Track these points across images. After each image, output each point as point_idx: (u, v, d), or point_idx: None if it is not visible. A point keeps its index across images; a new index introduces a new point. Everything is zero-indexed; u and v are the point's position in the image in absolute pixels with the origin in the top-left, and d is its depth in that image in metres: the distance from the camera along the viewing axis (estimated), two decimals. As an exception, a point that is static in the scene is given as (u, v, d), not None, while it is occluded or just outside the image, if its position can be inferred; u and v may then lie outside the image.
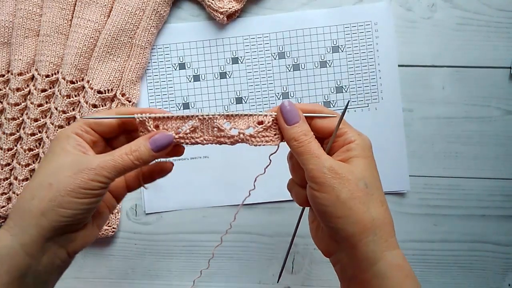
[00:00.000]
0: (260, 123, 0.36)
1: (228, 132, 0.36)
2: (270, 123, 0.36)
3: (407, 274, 0.33)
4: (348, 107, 0.54)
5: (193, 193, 0.53)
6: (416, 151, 0.54)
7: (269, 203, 0.54)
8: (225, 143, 0.36)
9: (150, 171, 0.39)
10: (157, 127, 0.35)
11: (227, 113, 0.36)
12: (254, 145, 0.37)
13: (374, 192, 0.34)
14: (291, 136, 0.35)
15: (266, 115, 0.36)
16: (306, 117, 0.36)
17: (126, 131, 0.37)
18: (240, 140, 0.36)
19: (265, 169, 0.39)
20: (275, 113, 0.36)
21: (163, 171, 0.39)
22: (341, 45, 0.53)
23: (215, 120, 0.36)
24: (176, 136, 0.35)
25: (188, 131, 0.35)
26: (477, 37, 0.53)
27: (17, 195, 0.52)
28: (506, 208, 0.54)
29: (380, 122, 0.53)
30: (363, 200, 0.33)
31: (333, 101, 0.54)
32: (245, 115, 0.36)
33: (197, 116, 0.35)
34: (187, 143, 0.36)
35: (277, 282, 0.45)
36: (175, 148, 0.37)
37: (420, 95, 0.54)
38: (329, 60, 0.53)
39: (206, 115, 0.35)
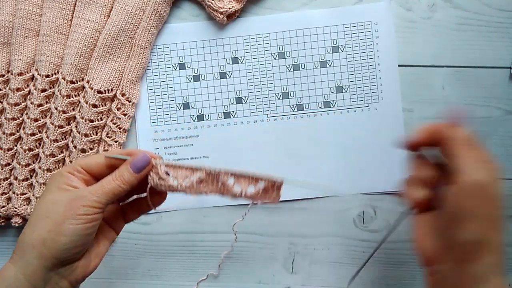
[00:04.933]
0: (263, 183, 0.40)
1: (232, 188, 0.39)
2: (268, 186, 0.40)
3: None
4: (348, 107, 0.54)
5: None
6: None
7: (269, 203, 0.54)
8: (227, 196, 0.40)
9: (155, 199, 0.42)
10: (167, 173, 0.39)
11: (232, 171, 0.39)
12: (254, 203, 0.41)
13: (499, 218, 0.35)
14: (455, 136, 0.36)
15: (265, 180, 0.40)
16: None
17: (114, 170, 0.40)
18: (241, 197, 0.40)
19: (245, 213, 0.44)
20: (275, 179, 0.40)
21: (159, 200, 0.42)
22: (341, 45, 0.53)
23: (220, 176, 0.39)
24: (183, 186, 0.39)
25: (195, 182, 0.39)
26: (477, 37, 0.54)
27: (17, 195, 0.52)
28: (506, 208, 0.54)
29: (380, 122, 0.53)
30: (493, 224, 0.34)
31: (333, 101, 0.54)
32: (248, 176, 0.39)
33: (204, 169, 0.39)
34: (192, 193, 0.40)
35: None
36: (158, 196, 0.42)
37: (420, 95, 0.54)
38: (329, 60, 0.54)
39: (213, 170, 0.39)
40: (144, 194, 0.41)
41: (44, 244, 0.36)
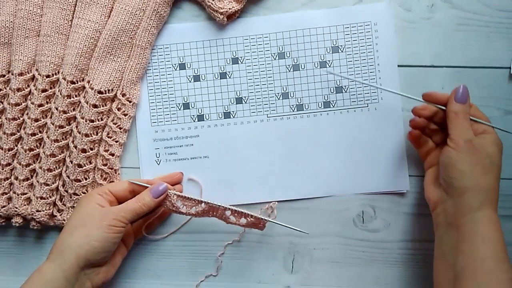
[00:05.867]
0: (252, 218, 0.50)
1: (228, 218, 0.50)
2: (258, 221, 0.50)
3: (497, 229, 0.42)
4: (348, 107, 0.54)
5: (193, 193, 0.53)
6: (416, 151, 0.54)
7: (269, 203, 0.55)
8: (224, 221, 0.51)
9: (152, 221, 0.54)
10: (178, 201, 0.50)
11: (229, 207, 0.49)
12: (245, 228, 0.52)
13: (494, 169, 0.44)
14: (454, 109, 0.46)
15: (254, 217, 0.50)
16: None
17: (135, 195, 0.50)
18: (235, 225, 0.51)
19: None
20: (261, 218, 0.50)
21: (163, 216, 0.55)
22: (341, 45, 0.54)
23: (219, 210, 0.50)
24: (190, 212, 0.50)
25: (199, 210, 0.50)
26: (477, 37, 0.54)
27: (18, 195, 0.53)
28: (506, 208, 0.54)
29: (380, 122, 0.54)
30: (483, 170, 0.43)
31: (333, 101, 0.54)
32: (242, 212, 0.50)
33: (208, 203, 0.49)
34: (197, 217, 0.51)
35: None
36: (163, 213, 0.55)
37: (420, 95, 0.54)
38: (329, 60, 0.54)
39: (214, 204, 0.49)
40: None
41: (81, 246, 0.46)
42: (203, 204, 0.49)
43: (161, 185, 0.49)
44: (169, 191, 0.49)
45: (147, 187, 0.50)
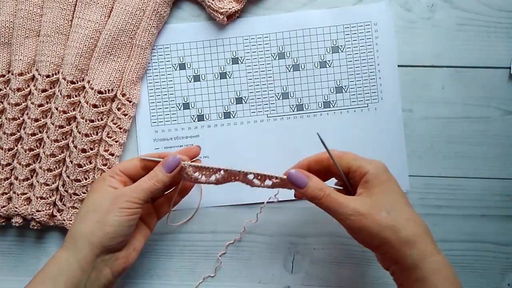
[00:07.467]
0: (277, 180, 0.45)
1: (251, 181, 0.45)
2: (284, 182, 0.44)
3: (446, 277, 0.39)
4: (348, 107, 0.54)
5: (193, 193, 0.53)
6: (416, 151, 0.55)
7: (269, 203, 0.55)
8: (248, 185, 0.46)
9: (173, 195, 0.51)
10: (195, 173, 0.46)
11: (250, 171, 0.45)
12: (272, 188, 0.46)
13: (398, 214, 0.41)
14: (309, 196, 0.42)
15: (279, 178, 0.44)
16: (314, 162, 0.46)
17: (148, 171, 0.47)
18: (262, 187, 0.46)
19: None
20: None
21: (185, 191, 0.52)
22: (341, 45, 0.54)
23: (241, 175, 0.45)
24: (210, 180, 0.46)
25: (219, 178, 0.45)
26: (477, 37, 0.54)
27: (18, 195, 0.53)
28: (506, 208, 0.54)
29: (379, 122, 0.54)
30: (390, 227, 0.40)
31: (333, 101, 0.54)
32: (265, 175, 0.45)
33: (227, 170, 0.45)
34: (218, 184, 0.46)
35: None
36: (184, 188, 0.51)
37: (420, 95, 0.55)
38: (329, 60, 0.54)
39: (234, 170, 0.45)
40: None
41: (93, 233, 0.43)
42: (222, 171, 0.45)
43: (173, 158, 0.45)
44: (183, 162, 0.45)
45: (159, 161, 0.46)
